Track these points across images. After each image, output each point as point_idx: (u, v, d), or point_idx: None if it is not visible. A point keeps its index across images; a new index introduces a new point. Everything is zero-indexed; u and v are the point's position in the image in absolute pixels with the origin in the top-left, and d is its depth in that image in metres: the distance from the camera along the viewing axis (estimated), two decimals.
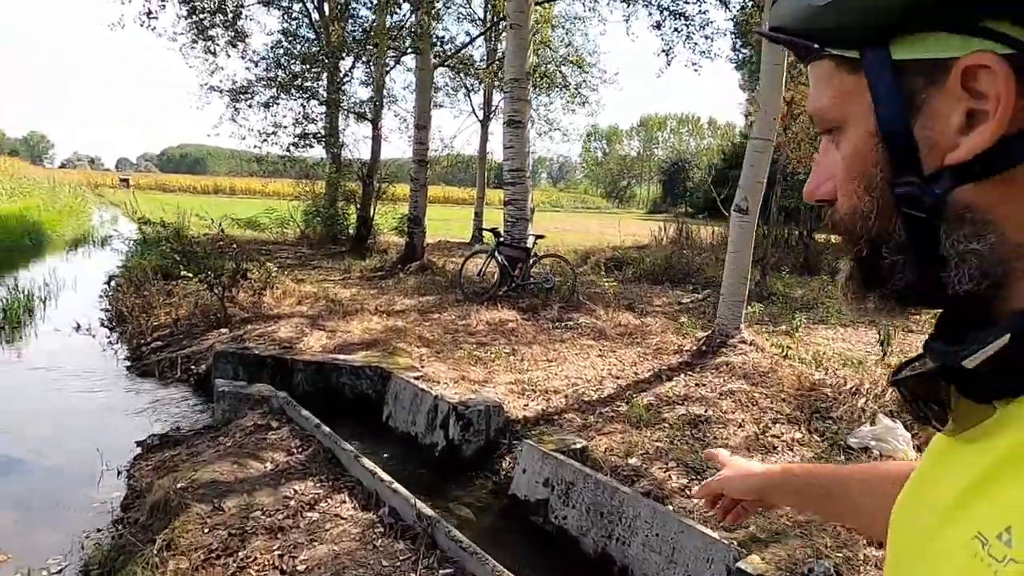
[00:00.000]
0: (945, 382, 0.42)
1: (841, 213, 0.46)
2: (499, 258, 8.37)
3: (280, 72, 15.39)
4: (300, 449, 3.59)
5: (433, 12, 11.36)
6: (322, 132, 15.11)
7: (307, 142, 15.12)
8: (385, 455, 4.29)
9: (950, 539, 0.39)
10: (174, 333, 6.56)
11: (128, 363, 6.14)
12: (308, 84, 15.16)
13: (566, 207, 52.23)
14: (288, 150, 15.04)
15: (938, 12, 0.39)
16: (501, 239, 8.58)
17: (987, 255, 0.40)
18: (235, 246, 6.83)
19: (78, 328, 7.27)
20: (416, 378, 4.78)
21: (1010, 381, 0.39)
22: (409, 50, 12.53)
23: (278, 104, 15.36)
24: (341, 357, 5.18)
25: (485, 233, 8.94)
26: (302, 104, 14.68)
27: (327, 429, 3.68)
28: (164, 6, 13.60)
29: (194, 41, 15.54)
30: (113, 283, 9.54)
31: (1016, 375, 0.38)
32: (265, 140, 15.04)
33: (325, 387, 4.99)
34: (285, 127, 14.75)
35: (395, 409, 4.69)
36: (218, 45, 15.74)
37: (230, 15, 15.40)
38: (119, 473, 3.81)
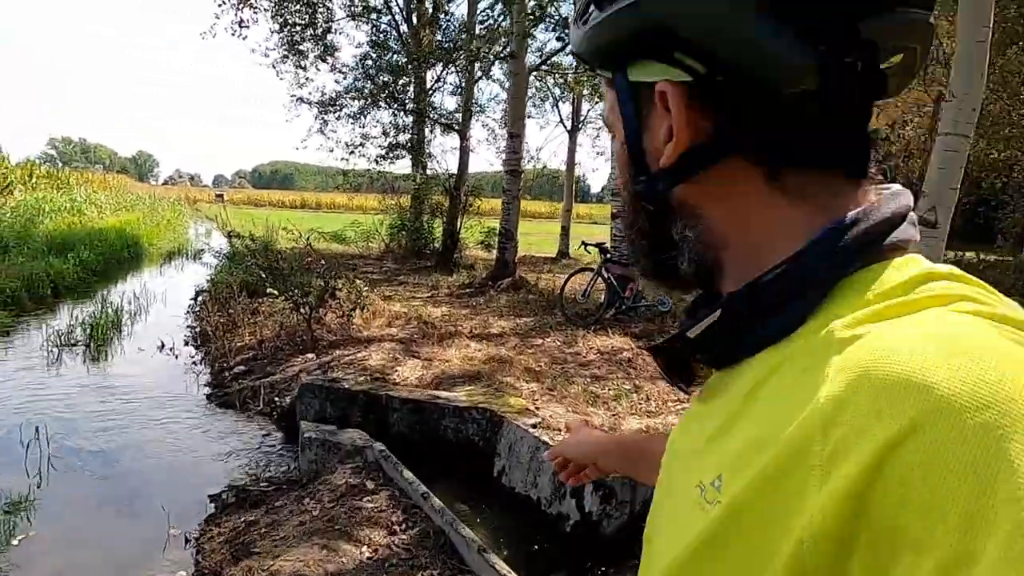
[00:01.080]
0: (687, 350, 0.50)
1: (621, 202, 0.56)
2: (606, 276, 7.45)
3: (368, 83, 15.19)
4: (404, 526, 2.81)
5: (535, 13, 10.66)
6: (409, 143, 14.74)
7: (395, 154, 14.79)
8: (497, 524, 3.47)
9: (682, 486, 0.45)
10: (257, 356, 6.02)
11: (209, 389, 5.62)
12: (396, 95, 14.86)
13: None
14: (376, 161, 14.74)
15: (649, 46, 0.46)
16: (608, 256, 7.66)
17: (698, 241, 0.49)
18: (323, 262, 6.22)
19: (162, 347, 6.89)
20: (533, 425, 3.95)
21: (728, 349, 0.46)
22: (504, 54, 11.90)
23: (366, 116, 15.15)
24: (443, 395, 4.42)
25: (589, 248, 8.05)
26: (393, 113, 14.30)
27: (437, 503, 2.88)
28: (256, 19, 13.59)
29: (284, 57, 15.60)
30: (200, 299, 9.27)
31: (731, 344, 0.46)
32: (352, 152, 14.80)
33: (424, 430, 4.23)
34: (374, 138, 14.41)
35: (509, 464, 3.86)
36: (307, 60, 15.78)
37: (320, 29, 15.37)
38: (187, 541, 3.16)
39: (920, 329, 0.36)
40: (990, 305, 0.39)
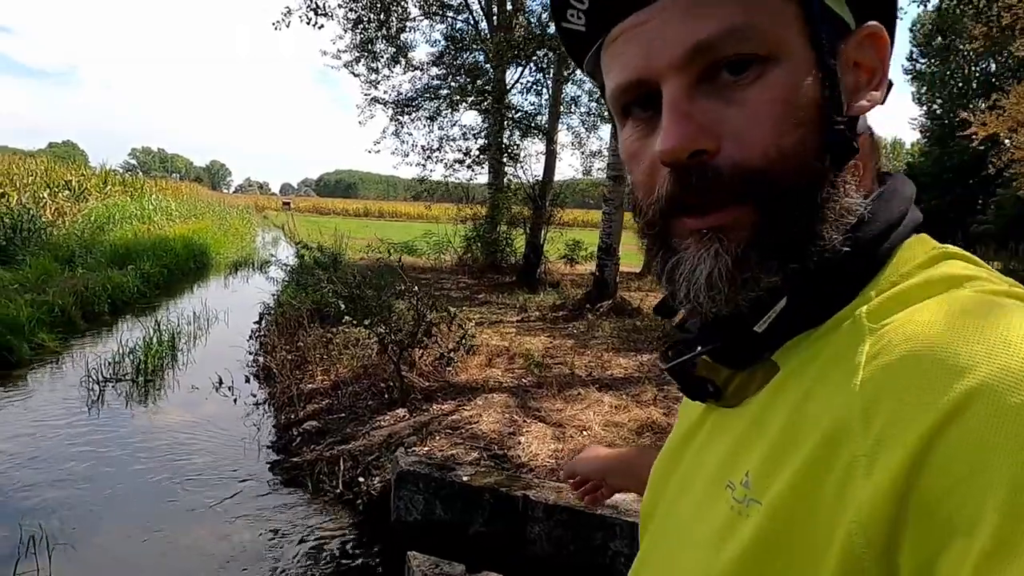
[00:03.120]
0: (716, 361, 0.45)
1: (749, 160, 0.40)
2: None
3: (445, 83, 14.18)
4: None
5: None
6: (488, 147, 13.56)
7: (472, 158, 13.65)
8: None
9: (706, 484, 0.43)
10: (333, 407, 4.77)
11: (273, 454, 4.39)
12: (472, 97, 13.77)
13: None
14: (452, 167, 13.64)
15: None
16: None
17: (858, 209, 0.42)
18: (416, 289, 4.92)
19: (219, 385, 5.76)
20: None
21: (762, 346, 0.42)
22: None
23: (442, 117, 14.11)
24: (608, 502, 3.02)
25: None
26: (477, 110, 13.19)
27: None
28: (329, 9, 12.68)
29: (358, 59, 14.81)
30: (264, 323, 8.18)
31: (772, 339, 0.42)
32: (429, 157, 13.74)
33: (583, 552, 2.85)
34: (454, 139, 13.32)
35: None
36: (380, 61, 14.96)
37: (394, 29, 14.49)
38: None
39: (949, 312, 0.36)
40: (998, 283, 0.38)
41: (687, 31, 0.40)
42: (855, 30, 0.42)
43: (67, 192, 16.32)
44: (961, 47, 24.12)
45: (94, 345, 7.09)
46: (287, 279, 9.81)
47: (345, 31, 14.15)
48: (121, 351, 6.32)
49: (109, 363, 6.05)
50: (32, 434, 4.53)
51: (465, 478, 3.11)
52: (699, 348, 0.45)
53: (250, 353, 6.96)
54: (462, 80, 13.96)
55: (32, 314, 6.74)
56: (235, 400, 5.45)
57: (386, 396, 4.66)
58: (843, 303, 0.40)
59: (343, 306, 4.92)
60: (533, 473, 3.41)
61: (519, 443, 3.80)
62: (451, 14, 14.93)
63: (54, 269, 9.15)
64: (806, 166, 0.40)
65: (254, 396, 5.56)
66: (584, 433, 3.97)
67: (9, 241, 10.16)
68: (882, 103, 0.43)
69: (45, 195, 14.81)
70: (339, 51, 14.79)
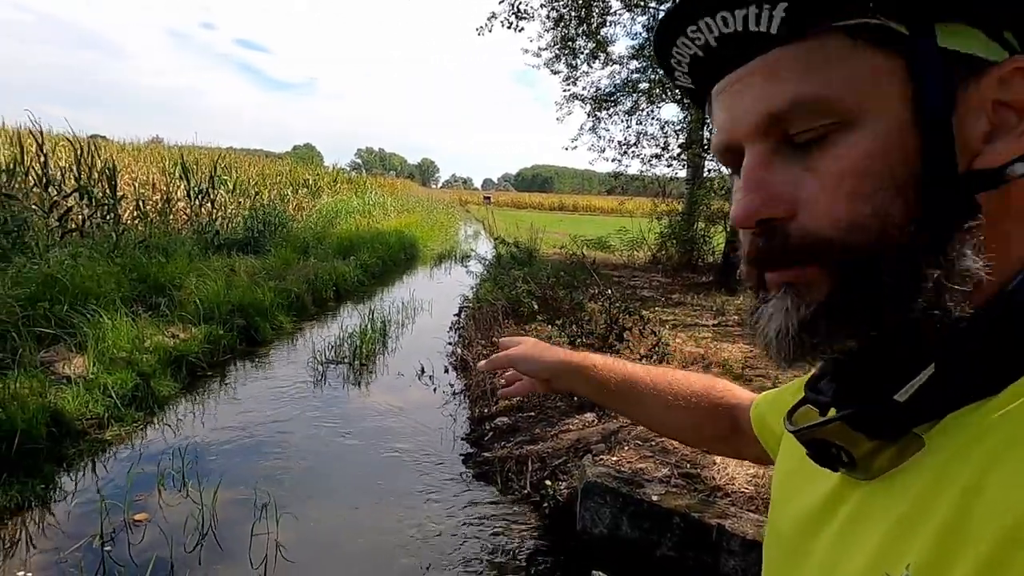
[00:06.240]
0: (854, 427, 0.40)
1: (819, 230, 0.39)
2: None
3: (644, 76, 13.86)
4: None
5: None
6: (687, 144, 13.02)
7: (669, 152, 13.20)
8: None
9: (856, 569, 0.39)
10: (523, 405, 4.86)
11: (467, 446, 4.58)
12: (672, 90, 13.29)
13: None
14: (649, 162, 13.31)
15: (977, 11, 0.36)
16: None
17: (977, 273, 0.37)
18: (609, 292, 4.82)
19: (421, 373, 6.17)
20: None
21: (914, 416, 0.38)
22: None
23: (640, 111, 13.82)
24: None
25: None
26: (678, 102, 12.76)
27: None
28: (530, 15, 12.99)
29: (557, 57, 15.00)
30: (462, 315, 8.62)
31: (925, 407, 0.38)
32: (625, 153, 13.54)
33: None
34: (652, 135, 12.99)
35: None
36: (579, 57, 15.02)
37: (594, 24, 14.45)
38: None
39: None
40: None
41: (762, 100, 0.40)
42: (999, 64, 0.37)
43: (305, 190, 18.69)
44: None
45: (320, 328, 7.99)
46: (485, 273, 10.26)
47: (546, 30, 14.41)
48: (341, 335, 7.04)
49: (331, 346, 6.77)
50: (270, 406, 5.20)
51: (655, 497, 2.95)
52: (836, 413, 0.42)
53: (449, 344, 7.38)
54: (662, 72, 13.57)
55: (274, 299, 7.77)
56: (434, 389, 5.79)
57: (575, 399, 4.63)
58: (1018, 374, 0.35)
59: (536, 306, 4.97)
60: (729, 500, 3.15)
61: (713, 463, 3.55)
62: (653, 4, 14.54)
63: (292, 258, 10.47)
64: (886, 235, 0.37)
65: (451, 386, 5.87)
66: None
67: (260, 234, 11.84)
68: (1006, 160, 0.37)
69: (289, 192, 17.08)
70: (539, 49, 15.14)
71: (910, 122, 0.37)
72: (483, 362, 1.01)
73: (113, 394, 4.64)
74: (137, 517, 3.40)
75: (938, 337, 0.38)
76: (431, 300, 9.89)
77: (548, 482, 3.69)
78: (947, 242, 0.37)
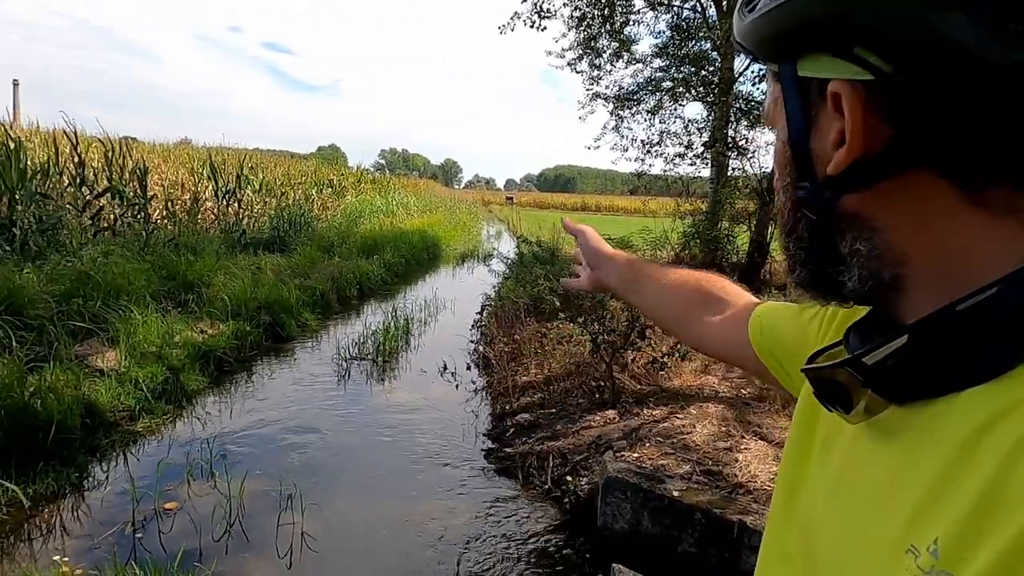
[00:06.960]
0: (854, 373, 0.42)
1: (777, 205, 0.50)
2: None
3: (668, 75, 13.77)
4: None
5: None
6: (711, 142, 12.91)
7: (693, 151, 13.10)
8: None
9: (876, 541, 0.39)
10: (544, 401, 4.87)
11: (488, 441, 4.61)
12: (696, 88, 13.20)
13: None
14: (673, 161, 13.22)
15: (824, 38, 0.40)
16: None
17: (872, 257, 0.41)
18: None
19: (444, 370, 6.22)
20: None
21: (925, 382, 0.39)
22: None
23: (663, 110, 13.73)
24: None
25: None
26: (702, 101, 12.67)
27: None
28: (552, 16, 13.00)
29: (580, 56, 14.98)
30: (485, 313, 8.66)
31: (930, 376, 0.39)
32: (648, 152, 13.47)
33: None
34: (675, 133, 12.91)
35: None
36: (603, 56, 14.97)
37: (618, 23, 14.40)
38: None
39: None
40: None
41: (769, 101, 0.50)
42: (830, 82, 0.41)
43: (329, 189, 18.88)
44: None
45: (344, 326, 8.08)
46: (507, 272, 10.28)
47: (569, 29, 14.38)
48: (364, 332, 7.12)
49: (355, 343, 6.85)
50: (296, 401, 5.29)
51: (676, 493, 2.95)
52: (848, 360, 0.42)
53: (471, 342, 7.42)
54: (686, 71, 13.46)
55: (299, 296, 7.89)
56: (457, 386, 5.83)
57: (596, 396, 4.64)
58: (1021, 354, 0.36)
59: (558, 303, 4.98)
60: (751, 496, 3.13)
61: (735, 460, 3.53)
62: (677, 2, 14.45)
63: (317, 257, 10.60)
64: (787, 222, 0.47)
65: (473, 383, 5.91)
66: None
67: (285, 233, 12.01)
68: (848, 163, 0.40)
69: (314, 192, 17.27)
70: (563, 49, 15.11)
71: (786, 137, 0.45)
72: (567, 219, 1.13)
73: (144, 387, 4.76)
74: (167, 506, 3.49)
75: (911, 312, 0.41)
76: (453, 298, 9.95)
77: (569, 478, 3.70)
78: (824, 229, 0.43)
